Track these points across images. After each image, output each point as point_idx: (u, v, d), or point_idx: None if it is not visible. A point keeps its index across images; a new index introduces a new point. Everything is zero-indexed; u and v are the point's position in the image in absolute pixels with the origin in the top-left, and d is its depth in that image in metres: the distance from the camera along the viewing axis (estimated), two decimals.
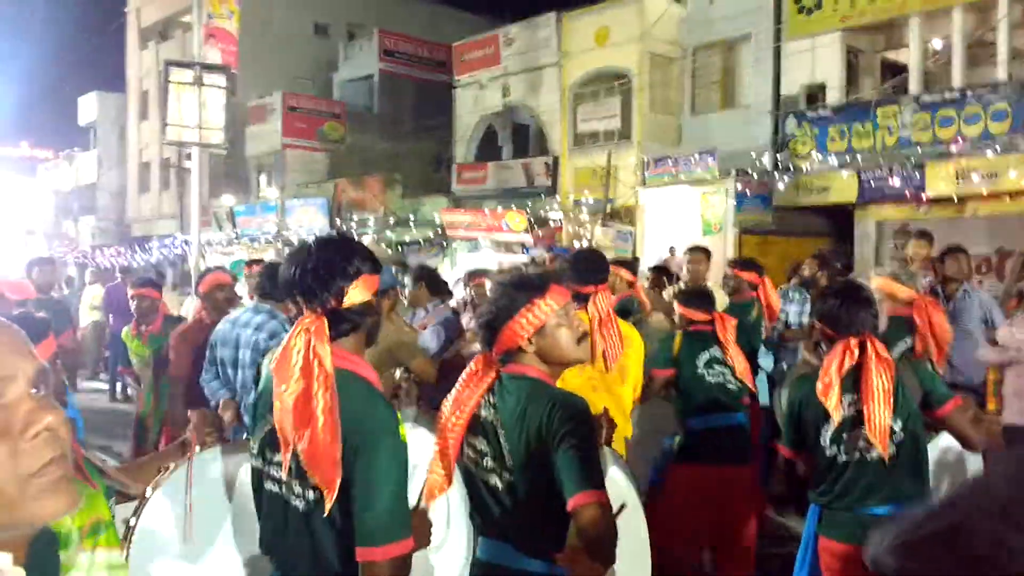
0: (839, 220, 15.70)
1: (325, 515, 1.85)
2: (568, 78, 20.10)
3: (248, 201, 27.93)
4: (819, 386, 2.95)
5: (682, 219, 16.85)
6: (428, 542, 2.10)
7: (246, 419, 3.86)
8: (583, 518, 1.99)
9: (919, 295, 4.39)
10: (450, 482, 2.23)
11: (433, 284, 5.98)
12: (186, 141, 13.40)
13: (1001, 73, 13.95)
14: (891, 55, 16.74)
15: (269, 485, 2.00)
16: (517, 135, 23.29)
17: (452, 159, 23.63)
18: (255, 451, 2.04)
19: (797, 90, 16.67)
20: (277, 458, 1.93)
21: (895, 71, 16.43)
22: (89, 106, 37.40)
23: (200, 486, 2.34)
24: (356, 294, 1.95)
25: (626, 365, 3.59)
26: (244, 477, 2.42)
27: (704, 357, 4.13)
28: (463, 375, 2.28)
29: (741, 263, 6.13)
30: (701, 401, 4.10)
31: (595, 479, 2.05)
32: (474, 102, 22.78)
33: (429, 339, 5.03)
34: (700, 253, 6.62)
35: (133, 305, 5.98)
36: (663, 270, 8.40)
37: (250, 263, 7.00)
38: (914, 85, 15.14)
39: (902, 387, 2.96)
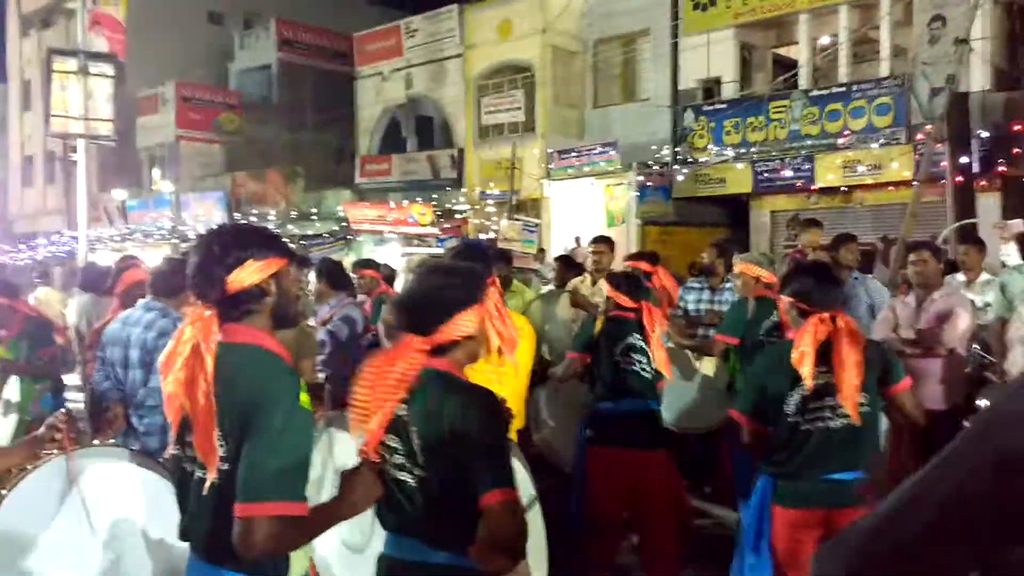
0: (736, 210, 16.22)
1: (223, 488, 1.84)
2: (472, 70, 20.07)
3: (141, 195, 26.86)
4: (794, 355, 3.07)
5: (587, 211, 17.10)
6: (375, 496, 2.06)
7: (134, 419, 3.73)
8: (494, 516, 1.99)
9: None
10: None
11: (336, 279, 5.84)
12: (71, 133, 12.79)
13: (884, 69, 14.65)
14: (782, 51, 17.37)
15: (185, 466, 2.00)
16: (421, 127, 23.11)
17: (355, 151, 23.28)
18: (175, 439, 2.02)
19: (694, 84, 17.09)
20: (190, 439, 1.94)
21: (786, 67, 17.05)
22: None
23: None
24: (242, 279, 1.95)
25: (518, 357, 3.59)
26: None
27: (622, 344, 4.17)
28: (380, 354, 2.18)
29: (635, 255, 6.42)
30: (614, 386, 4.16)
31: (506, 477, 2.05)
32: (377, 94, 22.50)
33: (327, 337, 4.95)
34: (604, 244, 6.72)
35: None
36: (568, 260, 8.51)
37: (123, 260, 6.68)
38: (804, 80, 15.75)
39: (866, 362, 3.10)
